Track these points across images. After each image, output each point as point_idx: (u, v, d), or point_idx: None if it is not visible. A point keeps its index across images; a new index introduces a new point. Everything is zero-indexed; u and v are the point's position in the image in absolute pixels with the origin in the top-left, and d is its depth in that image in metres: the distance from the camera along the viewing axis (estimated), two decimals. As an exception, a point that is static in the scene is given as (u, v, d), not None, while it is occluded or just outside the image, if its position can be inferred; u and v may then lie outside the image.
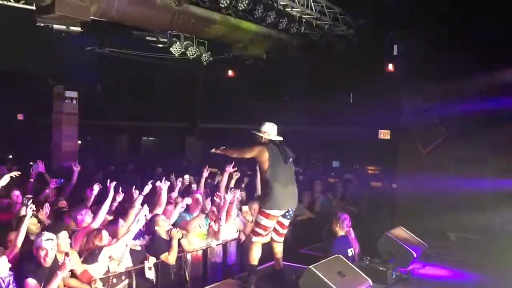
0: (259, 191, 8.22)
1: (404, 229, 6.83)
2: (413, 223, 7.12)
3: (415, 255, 6.30)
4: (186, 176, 8.21)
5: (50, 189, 7.40)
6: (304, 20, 9.46)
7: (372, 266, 5.79)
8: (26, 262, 4.62)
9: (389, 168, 11.05)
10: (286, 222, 5.50)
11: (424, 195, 8.63)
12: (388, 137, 11.77)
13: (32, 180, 7.49)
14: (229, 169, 7.84)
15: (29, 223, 5.03)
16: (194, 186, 8.13)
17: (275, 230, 5.47)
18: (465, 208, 8.01)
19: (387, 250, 6.31)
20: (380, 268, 5.72)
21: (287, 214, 5.41)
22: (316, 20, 9.79)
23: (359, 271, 5.25)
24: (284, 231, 5.59)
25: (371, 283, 5.14)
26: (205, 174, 8.05)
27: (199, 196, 7.06)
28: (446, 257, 6.83)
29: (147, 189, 6.49)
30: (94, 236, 5.41)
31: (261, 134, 5.39)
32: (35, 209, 5.11)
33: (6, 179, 4.64)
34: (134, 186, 6.69)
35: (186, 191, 7.94)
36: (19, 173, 4.95)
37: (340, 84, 11.90)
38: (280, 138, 5.45)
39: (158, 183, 6.77)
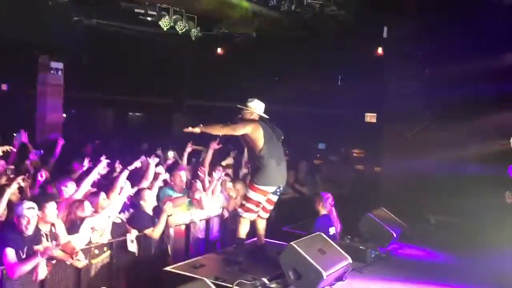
0: (244, 169, 8.28)
1: (385, 210, 6.93)
2: (395, 205, 7.24)
3: (394, 235, 6.41)
4: (171, 153, 8.17)
5: (30, 160, 7.30)
6: (295, -3, 9.38)
7: (353, 244, 5.89)
8: (7, 230, 4.61)
9: (374, 151, 11.16)
10: (275, 198, 5.55)
11: (407, 178, 8.77)
12: (374, 120, 11.86)
13: (15, 150, 7.40)
14: (214, 145, 7.84)
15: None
16: (180, 162, 8.11)
17: (263, 207, 5.50)
18: (446, 191, 8.17)
19: (367, 230, 6.42)
20: (360, 247, 5.82)
21: (277, 190, 5.46)
22: (307, -1, 9.71)
23: (340, 249, 5.32)
24: (271, 207, 5.64)
25: (351, 261, 5.21)
26: (188, 149, 8.02)
27: (182, 174, 7.03)
28: (425, 238, 6.97)
29: (135, 164, 6.43)
30: (76, 207, 5.41)
31: (249, 110, 5.37)
32: (20, 183, 5.09)
33: None
34: (118, 161, 6.67)
35: (171, 168, 7.92)
36: (11, 148, 4.90)
37: (329, 65, 11.87)
38: (267, 116, 5.44)
39: (145, 158, 6.76)
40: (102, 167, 6.04)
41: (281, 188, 5.53)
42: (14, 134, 8.41)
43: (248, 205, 5.40)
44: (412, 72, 8.96)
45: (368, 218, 6.52)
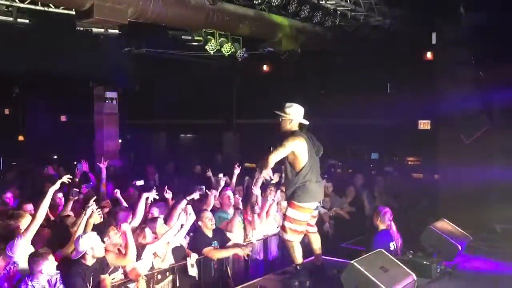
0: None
1: (447, 221, 6.66)
2: (456, 215, 6.94)
3: (460, 248, 6.15)
4: (221, 175, 8.17)
5: (84, 194, 7.46)
6: (338, 12, 9.34)
7: (416, 260, 5.67)
8: (72, 267, 4.72)
9: (430, 159, 10.82)
10: (316, 213, 5.43)
11: (467, 186, 8.38)
12: (428, 127, 11.53)
13: (77, 179, 7.73)
14: None
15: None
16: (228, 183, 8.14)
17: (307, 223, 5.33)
18: (510, 198, 7.76)
19: (430, 243, 6.17)
20: (424, 262, 5.60)
21: (318, 206, 5.36)
22: (351, 12, 9.65)
23: (403, 265, 5.16)
24: (315, 221, 5.50)
25: (415, 278, 5.04)
26: (236, 171, 8.02)
27: (230, 193, 7.06)
28: (492, 249, 6.64)
29: (194, 195, 6.48)
30: (138, 234, 5.54)
31: (288, 117, 5.05)
32: (95, 209, 5.29)
33: (58, 184, 4.85)
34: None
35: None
36: (71, 177, 5.14)
37: (378, 75, 11.70)
38: (307, 122, 5.15)
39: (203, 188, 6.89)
40: (143, 200, 6.13)
41: (321, 203, 5.41)
42: (75, 163, 8.83)
43: (293, 225, 5.08)
44: (466, 76, 8.64)
45: (430, 230, 6.29)
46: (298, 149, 4.98)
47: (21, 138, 17.77)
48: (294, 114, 5.09)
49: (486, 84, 8.23)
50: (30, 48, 10.06)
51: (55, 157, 14.94)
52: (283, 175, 7.80)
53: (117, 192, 6.81)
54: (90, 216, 5.25)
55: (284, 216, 5.25)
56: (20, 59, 10.52)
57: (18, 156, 13.82)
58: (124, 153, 14.58)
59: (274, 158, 4.92)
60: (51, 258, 4.37)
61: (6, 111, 18.01)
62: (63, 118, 16.91)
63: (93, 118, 13.67)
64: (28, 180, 9.60)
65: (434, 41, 8.81)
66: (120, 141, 14.54)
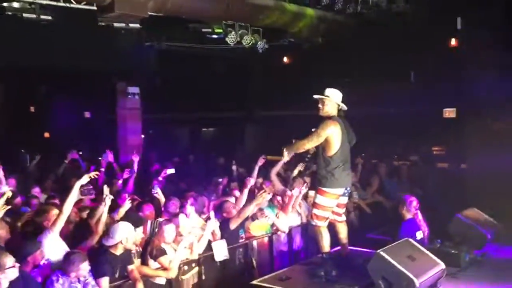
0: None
1: (476, 210, 6.55)
2: (484, 205, 6.82)
3: (488, 236, 6.04)
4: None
5: (122, 179, 7.56)
6: (360, -1, 9.20)
7: (444, 249, 5.60)
8: (100, 255, 4.79)
9: (456, 148, 10.62)
10: (344, 200, 5.43)
11: (496, 175, 8.24)
12: (454, 115, 11.32)
13: (102, 169, 7.81)
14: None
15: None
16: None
17: (333, 212, 5.33)
18: (541, 186, 7.58)
19: (458, 232, 6.09)
20: (453, 251, 5.52)
21: (345, 192, 5.32)
22: (373, -2, 9.49)
23: (431, 254, 5.08)
24: (343, 210, 5.52)
25: (444, 266, 4.96)
26: (260, 163, 7.99)
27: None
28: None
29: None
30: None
31: (328, 98, 5.09)
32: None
33: (85, 178, 4.87)
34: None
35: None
36: (98, 173, 5.16)
37: (400, 63, 11.49)
38: (345, 107, 5.21)
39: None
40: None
41: (349, 189, 5.38)
42: (100, 159, 8.92)
43: (320, 212, 5.20)
44: (492, 61, 8.43)
45: (458, 219, 6.20)
46: (331, 135, 5.04)
47: (46, 135, 18.05)
48: (334, 96, 5.18)
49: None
50: (53, 45, 10.17)
51: (80, 152, 15.10)
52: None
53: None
54: (122, 206, 5.32)
55: (313, 204, 5.34)
56: (44, 56, 10.64)
57: (43, 153, 14.05)
58: (147, 148, 14.65)
59: (308, 146, 5.15)
60: (84, 265, 4.35)
61: (32, 109, 18.29)
62: (87, 114, 17.10)
63: (116, 114, 13.77)
64: (52, 175, 9.69)
65: (459, 26, 8.62)
66: (142, 136, 14.63)
